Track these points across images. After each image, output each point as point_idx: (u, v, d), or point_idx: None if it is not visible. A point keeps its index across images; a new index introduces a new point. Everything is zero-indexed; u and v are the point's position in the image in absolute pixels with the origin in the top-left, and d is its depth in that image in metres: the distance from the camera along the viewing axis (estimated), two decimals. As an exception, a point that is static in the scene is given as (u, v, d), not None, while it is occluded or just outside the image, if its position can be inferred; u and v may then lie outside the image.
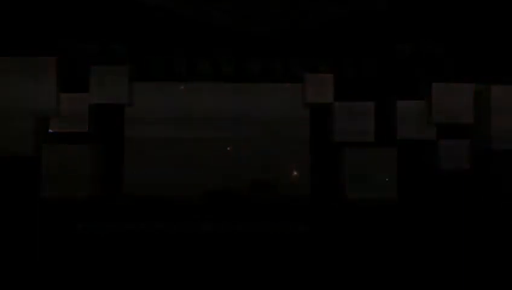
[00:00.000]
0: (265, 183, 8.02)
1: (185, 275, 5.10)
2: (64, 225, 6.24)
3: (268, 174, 8.28)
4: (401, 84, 8.33)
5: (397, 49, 8.36)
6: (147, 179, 7.84)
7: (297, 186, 7.99)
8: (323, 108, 8.40)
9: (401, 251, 6.20)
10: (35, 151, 7.87)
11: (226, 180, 7.93)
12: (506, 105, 7.95)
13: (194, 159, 8.12)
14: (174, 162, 8.07)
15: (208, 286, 4.70)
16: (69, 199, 7.31)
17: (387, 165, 8.00)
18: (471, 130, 8.19)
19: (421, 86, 8.25)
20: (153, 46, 8.44)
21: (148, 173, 7.94)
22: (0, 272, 4.59)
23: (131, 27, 8.31)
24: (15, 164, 7.88)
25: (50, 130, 8.16)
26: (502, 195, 8.02)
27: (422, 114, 8.16)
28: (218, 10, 7.86)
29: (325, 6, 7.87)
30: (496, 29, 8.16)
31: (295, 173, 8.43)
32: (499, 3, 7.93)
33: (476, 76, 8.14)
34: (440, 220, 6.73)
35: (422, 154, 8.29)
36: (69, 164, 7.85)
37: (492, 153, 8.10)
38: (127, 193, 7.80)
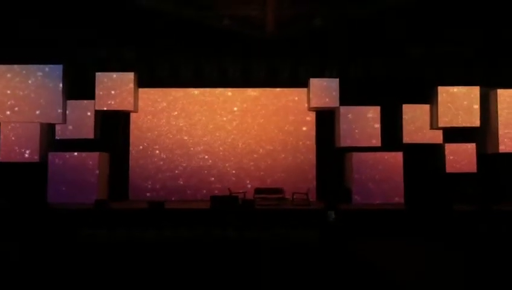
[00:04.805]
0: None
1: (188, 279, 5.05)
2: (68, 229, 6.25)
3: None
4: (407, 88, 8.32)
5: (403, 53, 8.36)
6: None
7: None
8: (329, 112, 8.49)
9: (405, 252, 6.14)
10: (42, 158, 7.96)
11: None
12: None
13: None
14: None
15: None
16: (75, 204, 7.31)
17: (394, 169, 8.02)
18: (477, 134, 8.23)
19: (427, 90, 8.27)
20: (159, 53, 8.50)
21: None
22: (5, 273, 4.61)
23: (137, 34, 8.34)
24: (22, 169, 7.94)
25: (57, 137, 8.25)
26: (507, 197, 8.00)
27: (428, 118, 8.24)
28: (224, 15, 7.89)
29: (331, 9, 7.88)
30: (502, 34, 8.17)
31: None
32: (505, 8, 7.92)
33: (482, 80, 8.14)
34: (446, 223, 6.66)
35: (428, 158, 8.27)
36: (75, 170, 7.90)
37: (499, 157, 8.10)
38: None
